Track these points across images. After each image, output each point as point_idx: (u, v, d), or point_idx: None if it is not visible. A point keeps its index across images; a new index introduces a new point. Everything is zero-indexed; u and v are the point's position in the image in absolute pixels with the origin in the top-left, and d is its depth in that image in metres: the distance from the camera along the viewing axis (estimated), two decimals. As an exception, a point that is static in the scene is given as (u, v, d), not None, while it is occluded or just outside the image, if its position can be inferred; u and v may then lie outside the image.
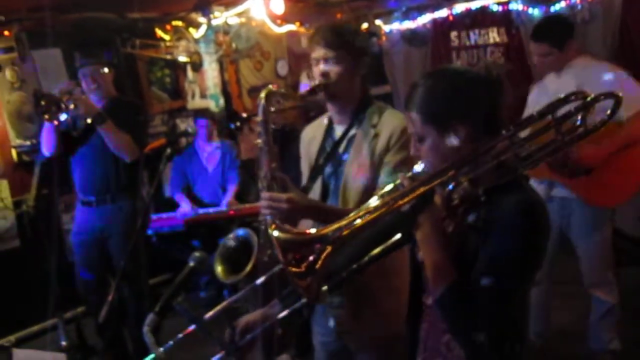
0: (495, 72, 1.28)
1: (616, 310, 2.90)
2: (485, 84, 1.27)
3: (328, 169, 1.86)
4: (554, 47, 2.73)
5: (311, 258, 1.17)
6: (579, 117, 1.21)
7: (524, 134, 1.29)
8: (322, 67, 1.77)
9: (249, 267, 2.69)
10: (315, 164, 1.89)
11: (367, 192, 1.75)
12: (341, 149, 1.84)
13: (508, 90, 1.29)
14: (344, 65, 1.77)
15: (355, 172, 1.79)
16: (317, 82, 1.78)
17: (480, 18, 5.25)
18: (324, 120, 1.95)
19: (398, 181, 1.28)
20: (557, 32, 2.78)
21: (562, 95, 1.23)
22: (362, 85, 1.86)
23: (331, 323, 1.87)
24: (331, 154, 1.86)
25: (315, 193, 1.88)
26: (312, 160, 1.91)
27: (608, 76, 2.66)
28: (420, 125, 1.29)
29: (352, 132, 1.84)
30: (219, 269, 2.86)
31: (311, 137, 1.96)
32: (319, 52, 1.77)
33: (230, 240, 2.85)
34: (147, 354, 1.46)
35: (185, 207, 4.21)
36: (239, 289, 3.70)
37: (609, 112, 1.21)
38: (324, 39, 1.76)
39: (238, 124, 4.80)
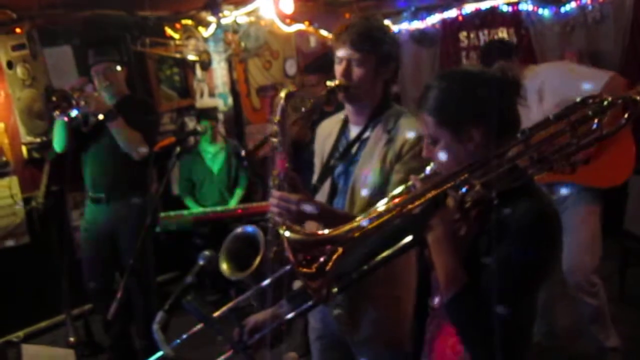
0: (511, 73, 1.26)
1: (606, 310, 2.85)
2: (500, 86, 1.25)
3: (339, 169, 1.84)
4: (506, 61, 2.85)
5: (322, 259, 1.16)
6: (595, 121, 1.20)
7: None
8: (344, 67, 1.72)
9: (255, 265, 2.68)
10: (326, 163, 1.87)
11: (375, 197, 1.72)
12: (354, 150, 1.81)
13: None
14: (367, 68, 1.71)
15: (364, 176, 1.76)
16: (337, 82, 1.73)
17: (489, 18, 5.23)
18: (340, 117, 1.92)
19: (410, 183, 1.27)
20: (501, 49, 2.99)
21: (578, 99, 1.23)
22: (384, 88, 1.80)
23: (334, 326, 1.86)
24: (343, 154, 1.83)
25: (323, 191, 1.86)
26: (325, 157, 1.89)
27: (560, 70, 2.84)
28: (433, 127, 1.27)
29: (366, 134, 1.80)
30: (224, 266, 2.85)
31: (327, 133, 1.93)
32: (343, 52, 1.71)
33: (236, 236, 2.84)
34: (154, 351, 1.46)
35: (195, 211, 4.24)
36: (244, 287, 3.71)
37: (626, 115, 1.21)
38: (350, 39, 1.69)
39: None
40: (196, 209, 4.26)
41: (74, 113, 2.97)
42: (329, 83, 1.73)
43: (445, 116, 1.26)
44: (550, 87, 2.74)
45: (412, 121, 1.76)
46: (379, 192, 1.73)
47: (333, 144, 1.88)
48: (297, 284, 1.74)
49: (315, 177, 1.91)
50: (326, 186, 1.86)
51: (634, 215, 3.69)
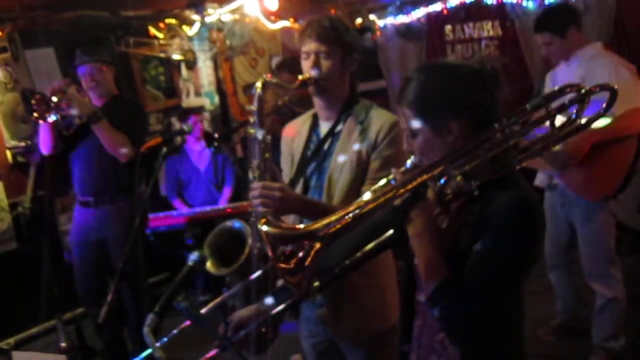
0: (490, 65, 1.26)
1: (618, 307, 2.86)
2: (480, 78, 1.25)
3: (311, 166, 1.86)
4: (555, 35, 2.77)
5: (300, 254, 1.15)
6: (574, 111, 1.20)
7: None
8: (313, 61, 1.76)
9: (241, 261, 2.66)
10: (301, 159, 1.88)
11: (353, 188, 1.75)
12: (327, 145, 1.83)
13: (504, 84, 1.27)
14: (334, 60, 1.76)
15: (341, 168, 1.78)
16: (307, 75, 1.76)
17: (474, 11, 5.25)
18: (308, 116, 1.94)
19: (391, 176, 1.26)
20: (557, 20, 2.81)
21: (556, 88, 1.23)
22: (351, 82, 1.85)
23: (322, 328, 1.86)
24: (316, 150, 1.85)
25: (297, 189, 1.86)
26: (297, 156, 1.90)
27: (609, 70, 2.67)
28: (412, 120, 1.27)
29: (339, 128, 1.83)
30: (208, 262, 2.83)
31: (295, 133, 1.94)
32: (310, 46, 1.76)
33: (221, 231, 2.82)
34: (147, 354, 1.45)
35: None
36: (231, 286, 3.68)
37: (604, 105, 1.21)
38: (316, 32, 1.74)
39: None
40: (185, 210, 4.24)
41: (51, 118, 2.92)
42: (300, 77, 1.77)
43: (423, 109, 1.25)
44: (595, 81, 2.65)
45: (383, 112, 1.82)
46: (358, 183, 1.76)
47: (304, 142, 1.89)
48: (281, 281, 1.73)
49: (286, 177, 1.91)
50: (299, 184, 1.87)
51: (623, 205, 3.71)
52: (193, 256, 1.52)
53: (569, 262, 3.08)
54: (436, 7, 5.30)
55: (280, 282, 1.72)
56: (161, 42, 4.81)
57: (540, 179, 3.01)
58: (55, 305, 3.54)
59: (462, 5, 5.23)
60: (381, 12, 5.54)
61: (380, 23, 5.54)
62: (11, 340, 3.74)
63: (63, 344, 3.57)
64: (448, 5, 5.27)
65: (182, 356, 1.52)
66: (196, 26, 4.86)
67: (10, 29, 3.85)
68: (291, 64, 3.32)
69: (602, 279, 2.87)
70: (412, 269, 1.37)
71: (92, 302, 3.21)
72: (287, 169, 1.93)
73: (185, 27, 4.89)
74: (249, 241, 2.28)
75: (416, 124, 1.26)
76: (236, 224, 2.65)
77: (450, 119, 1.23)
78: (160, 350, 1.40)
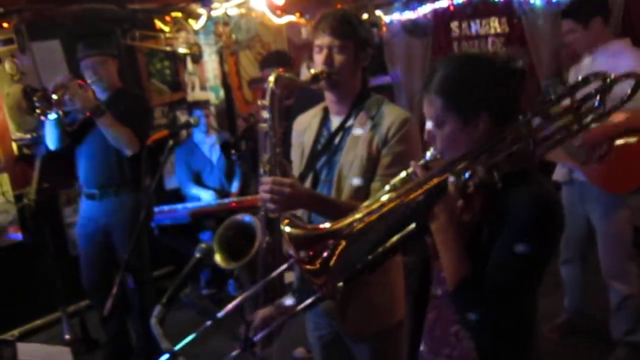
0: (520, 61, 1.25)
1: (635, 303, 2.86)
2: (511, 74, 1.24)
3: (322, 160, 1.85)
4: (578, 24, 2.73)
5: (325, 254, 1.14)
6: (598, 99, 1.18)
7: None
8: (326, 55, 1.74)
9: (251, 254, 2.65)
10: (311, 154, 1.87)
11: (362, 183, 1.74)
12: (337, 139, 1.82)
13: (529, 81, 1.26)
14: (347, 55, 1.74)
15: (350, 164, 1.77)
16: (319, 69, 1.74)
17: (481, 8, 5.23)
18: (319, 110, 1.93)
19: (410, 170, 1.25)
20: (582, 9, 2.77)
21: (580, 78, 1.21)
22: (363, 77, 1.84)
23: (328, 320, 1.86)
24: (326, 144, 1.84)
25: (306, 183, 1.86)
26: (307, 149, 1.89)
27: (633, 64, 2.60)
28: (441, 109, 1.24)
29: (350, 122, 1.82)
30: (217, 256, 2.83)
31: (306, 126, 1.93)
32: (323, 40, 1.74)
33: (230, 225, 2.81)
34: (150, 346, 1.44)
35: (206, 195, 4.23)
36: (240, 280, 3.66)
37: (629, 91, 1.19)
38: (330, 26, 1.72)
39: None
40: (191, 203, 4.25)
41: (53, 115, 2.93)
42: (312, 71, 1.75)
43: (455, 99, 1.23)
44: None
45: (395, 107, 1.80)
46: (367, 178, 1.74)
47: (314, 135, 1.88)
48: (288, 278, 1.73)
49: (296, 170, 1.89)
50: (308, 178, 1.86)
51: (635, 210, 3.68)
52: (200, 248, 1.51)
53: (583, 257, 3.06)
54: (443, 3, 5.28)
55: (288, 280, 1.72)
56: (167, 35, 4.80)
57: (559, 174, 2.96)
58: (59, 298, 3.56)
59: (469, 2, 5.21)
60: (387, 7, 5.52)
61: (386, 19, 5.52)
62: (15, 332, 3.75)
63: (67, 336, 3.60)
64: (455, 2, 5.24)
65: (189, 350, 1.51)
66: (202, 20, 4.85)
67: (17, 20, 3.85)
68: (276, 59, 3.34)
69: (620, 276, 2.85)
70: (426, 263, 1.37)
71: (97, 294, 3.21)
72: (297, 163, 1.92)
73: (191, 21, 4.88)
74: (259, 236, 2.27)
75: (444, 113, 1.24)
76: (246, 217, 2.64)
77: (478, 112, 1.22)
78: (167, 342, 1.39)
